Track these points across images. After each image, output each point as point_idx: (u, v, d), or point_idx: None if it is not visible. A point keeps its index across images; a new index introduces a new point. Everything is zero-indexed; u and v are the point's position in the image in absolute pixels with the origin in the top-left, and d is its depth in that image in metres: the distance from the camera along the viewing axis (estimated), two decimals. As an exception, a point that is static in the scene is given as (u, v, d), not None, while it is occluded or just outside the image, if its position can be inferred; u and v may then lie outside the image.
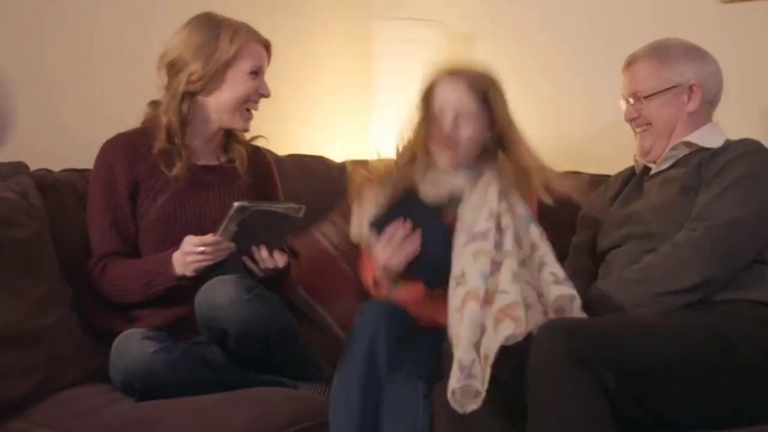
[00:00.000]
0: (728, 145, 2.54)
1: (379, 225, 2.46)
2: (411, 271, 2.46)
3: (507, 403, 2.25)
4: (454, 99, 2.55)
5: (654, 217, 2.52)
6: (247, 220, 2.40)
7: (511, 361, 2.20)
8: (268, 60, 2.72)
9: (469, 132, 2.54)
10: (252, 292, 2.38)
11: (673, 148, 2.59)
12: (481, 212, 2.43)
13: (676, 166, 2.58)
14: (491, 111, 2.58)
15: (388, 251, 2.42)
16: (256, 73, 2.66)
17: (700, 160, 2.51)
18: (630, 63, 2.65)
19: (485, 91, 2.58)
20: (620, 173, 2.79)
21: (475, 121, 2.55)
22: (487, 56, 3.64)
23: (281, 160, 3.29)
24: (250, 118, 2.69)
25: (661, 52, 2.63)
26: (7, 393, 2.24)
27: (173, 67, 2.63)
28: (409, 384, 2.41)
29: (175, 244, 2.46)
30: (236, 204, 2.39)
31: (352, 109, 3.75)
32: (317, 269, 2.87)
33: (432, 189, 2.56)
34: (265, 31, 3.55)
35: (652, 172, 2.64)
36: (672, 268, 2.35)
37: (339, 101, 3.88)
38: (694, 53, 2.63)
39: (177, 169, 2.58)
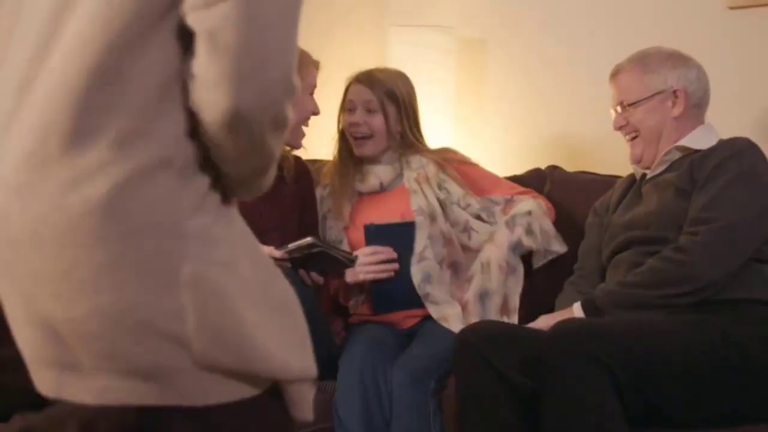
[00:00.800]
0: (718, 146, 2.55)
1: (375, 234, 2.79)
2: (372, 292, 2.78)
3: (518, 400, 2.32)
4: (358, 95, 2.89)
5: (653, 221, 2.53)
6: (311, 254, 2.52)
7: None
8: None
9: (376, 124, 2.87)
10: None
11: (667, 153, 2.60)
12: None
13: (671, 169, 2.58)
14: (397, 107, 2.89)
15: (368, 268, 2.70)
16: (311, 93, 2.76)
17: (691, 162, 2.51)
18: (615, 73, 2.67)
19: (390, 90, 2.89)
20: (623, 180, 2.81)
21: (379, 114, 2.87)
22: (498, 60, 3.79)
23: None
24: (303, 135, 2.79)
25: (643, 60, 2.64)
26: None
27: None
28: (418, 383, 2.54)
29: None
30: (309, 239, 2.52)
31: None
32: None
33: (363, 180, 2.91)
34: None
35: (648, 176, 2.65)
36: (675, 273, 2.37)
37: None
38: (675, 60, 2.64)
39: None
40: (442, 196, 2.85)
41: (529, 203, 2.82)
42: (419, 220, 2.80)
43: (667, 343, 2.25)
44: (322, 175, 3.05)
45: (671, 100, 2.60)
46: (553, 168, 3.24)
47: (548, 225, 2.81)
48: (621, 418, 2.13)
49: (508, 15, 3.76)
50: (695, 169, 2.49)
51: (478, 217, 2.86)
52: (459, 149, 3.62)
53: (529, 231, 2.76)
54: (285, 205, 2.81)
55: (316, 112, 2.79)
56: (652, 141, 2.62)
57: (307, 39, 3.53)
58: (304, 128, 2.79)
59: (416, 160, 2.90)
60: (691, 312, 2.34)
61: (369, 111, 2.86)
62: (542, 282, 2.91)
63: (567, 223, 2.98)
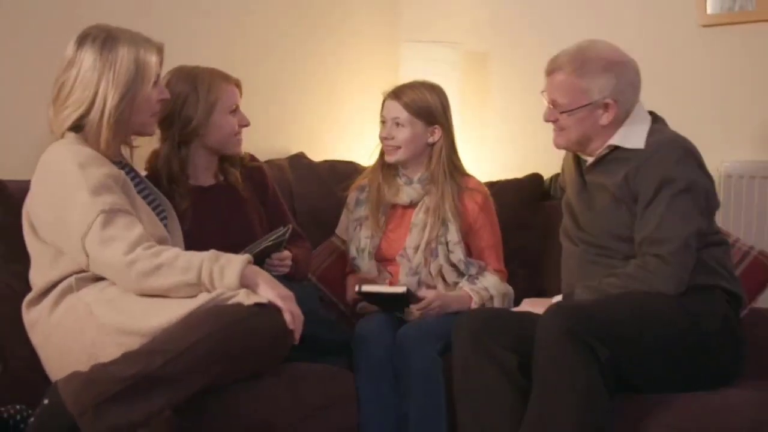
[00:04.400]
0: (651, 152, 2.50)
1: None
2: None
3: (508, 376, 2.40)
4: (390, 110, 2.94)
5: (597, 230, 2.58)
6: (257, 256, 2.51)
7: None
8: (241, 94, 2.79)
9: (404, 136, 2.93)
10: None
11: (600, 150, 2.58)
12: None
13: (602, 164, 2.58)
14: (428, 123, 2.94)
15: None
16: (234, 110, 2.74)
17: (625, 174, 2.50)
18: (552, 70, 2.58)
19: (419, 107, 2.93)
20: (570, 160, 2.76)
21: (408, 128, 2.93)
22: (499, 72, 3.87)
23: (317, 165, 3.47)
24: (239, 142, 2.78)
25: (582, 65, 2.53)
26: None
27: (165, 121, 2.66)
28: (427, 349, 2.64)
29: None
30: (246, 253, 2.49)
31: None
32: (331, 265, 3.14)
33: (396, 194, 2.96)
34: (304, 53, 3.63)
35: (587, 165, 2.64)
36: (644, 288, 2.44)
37: (369, 114, 3.78)
38: (612, 68, 2.53)
39: (183, 205, 2.66)
40: (438, 230, 2.89)
41: (491, 281, 2.88)
42: (406, 256, 2.90)
43: (637, 324, 2.34)
44: (360, 178, 3.11)
45: (601, 110, 2.56)
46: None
47: (498, 301, 2.88)
48: (602, 389, 2.23)
49: (509, 31, 3.84)
50: (631, 181, 2.49)
51: (454, 266, 2.89)
52: (463, 155, 3.67)
53: (480, 302, 2.84)
54: (249, 217, 2.81)
55: (243, 124, 2.76)
56: (577, 143, 2.62)
57: (324, 53, 3.74)
58: (239, 138, 2.77)
59: (440, 187, 2.92)
60: (661, 296, 2.43)
61: (397, 125, 2.94)
62: (522, 281, 3.06)
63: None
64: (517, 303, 2.80)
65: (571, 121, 2.57)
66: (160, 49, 2.42)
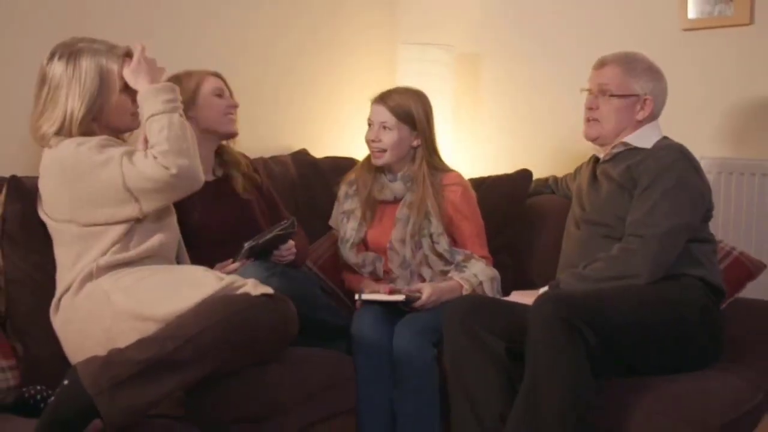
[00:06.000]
0: (654, 151, 2.64)
1: None
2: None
3: (496, 361, 2.46)
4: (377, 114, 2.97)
5: (603, 210, 2.66)
6: (257, 247, 2.59)
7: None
8: (225, 83, 2.85)
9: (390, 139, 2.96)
10: (270, 271, 2.57)
11: (614, 147, 2.72)
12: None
13: (615, 160, 2.70)
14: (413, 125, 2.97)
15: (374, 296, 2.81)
16: (219, 94, 2.81)
17: (628, 165, 2.62)
18: (602, 64, 2.74)
19: (405, 111, 2.96)
20: (589, 158, 2.89)
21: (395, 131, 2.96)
22: (490, 73, 3.89)
23: (319, 161, 3.50)
24: (232, 121, 2.83)
25: (630, 63, 2.71)
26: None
27: None
28: (419, 340, 2.69)
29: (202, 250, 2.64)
30: (246, 245, 2.58)
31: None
32: (332, 256, 3.17)
33: (380, 191, 2.99)
34: (306, 56, 3.65)
35: (601, 160, 2.77)
36: (622, 268, 2.51)
37: (368, 113, 3.68)
38: (654, 72, 2.72)
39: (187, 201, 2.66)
40: (421, 224, 2.94)
41: (478, 267, 2.92)
42: (394, 249, 2.95)
43: (624, 311, 2.39)
44: (350, 172, 3.14)
45: (640, 105, 2.70)
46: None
47: (487, 285, 2.91)
48: (589, 373, 2.28)
49: (500, 34, 3.87)
50: (634, 170, 2.61)
51: (440, 255, 2.94)
52: (457, 151, 3.72)
53: (471, 288, 2.87)
54: (253, 210, 2.85)
55: (232, 104, 2.82)
56: (611, 135, 2.72)
57: (326, 56, 3.78)
58: (231, 117, 2.82)
59: (421, 185, 2.97)
60: (644, 285, 2.49)
61: (384, 128, 2.98)
62: (511, 272, 3.09)
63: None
64: (506, 293, 2.84)
65: (612, 109, 2.70)
66: (127, 53, 2.44)
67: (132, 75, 2.38)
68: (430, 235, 2.94)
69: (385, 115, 2.98)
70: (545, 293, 2.48)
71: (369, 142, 3.01)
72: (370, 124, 3.02)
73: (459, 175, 3.07)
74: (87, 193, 2.29)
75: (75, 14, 2.86)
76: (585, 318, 2.30)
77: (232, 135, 2.89)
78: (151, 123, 2.32)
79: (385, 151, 2.98)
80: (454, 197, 2.99)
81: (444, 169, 3.06)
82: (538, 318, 2.33)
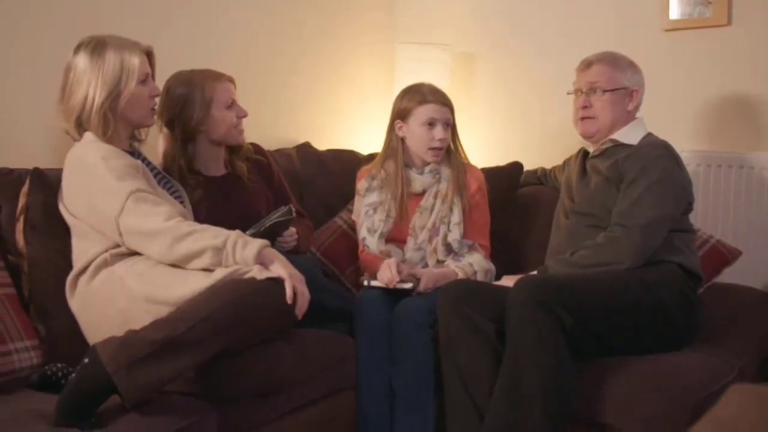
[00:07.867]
0: (640, 147, 2.67)
1: None
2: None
3: (487, 342, 2.48)
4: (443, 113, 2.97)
5: (591, 202, 2.70)
6: (258, 235, 2.58)
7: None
8: (235, 87, 2.82)
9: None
10: None
11: (603, 143, 2.76)
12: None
13: (604, 155, 2.74)
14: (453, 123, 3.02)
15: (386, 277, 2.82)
16: (230, 105, 2.79)
17: (617, 159, 2.65)
18: (589, 64, 2.78)
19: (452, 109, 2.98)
20: (579, 152, 2.93)
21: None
22: (485, 72, 3.91)
23: (322, 153, 3.52)
24: (240, 132, 2.83)
25: (614, 60, 2.77)
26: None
27: (169, 123, 2.75)
28: (416, 322, 2.71)
29: None
30: (247, 233, 2.52)
31: (379, 114, 3.79)
32: (334, 242, 3.22)
33: (410, 184, 2.99)
34: (310, 54, 3.66)
35: (590, 155, 2.81)
36: (605, 255, 2.53)
37: (368, 108, 3.99)
38: (634, 66, 2.79)
39: (195, 195, 2.72)
40: (444, 213, 2.96)
41: (475, 258, 2.94)
42: (414, 235, 2.97)
43: (600, 293, 2.42)
44: (369, 166, 3.11)
45: (629, 97, 2.75)
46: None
47: (481, 276, 2.91)
48: (567, 353, 2.30)
49: (493, 34, 3.88)
50: (620, 165, 2.64)
51: (447, 244, 2.95)
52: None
53: (465, 276, 2.90)
54: (257, 202, 2.86)
55: (241, 116, 2.82)
56: (606, 127, 2.76)
57: (328, 54, 3.83)
58: (240, 128, 2.82)
59: (447, 176, 3.00)
60: (621, 270, 2.52)
61: (446, 126, 2.98)
62: (503, 258, 3.09)
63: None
64: (498, 278, 2.86)
65: (606, 103, 2.75)
66: (148, 51, 2.51)
67: (281, 267, 2.29)
68: (448, 224, 2.96)
69: (448, 114, 3.01)
70: (524, 277, 2.50)
71: (438, 142, 2.99)
72: (430, 124, 2.99)
73: (477, 169, 3.11)
74: (90, 203, 2.36)
75: (93, 12, 2.88)
76: (560, 300, 2.32)
77: (240, 145, 2.89)
78: (209, 244, 2.27)
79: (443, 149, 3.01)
80: (475, 182, 3.03)
81: (467, 161, 3.10)
82: (516, 300, 2.35)
